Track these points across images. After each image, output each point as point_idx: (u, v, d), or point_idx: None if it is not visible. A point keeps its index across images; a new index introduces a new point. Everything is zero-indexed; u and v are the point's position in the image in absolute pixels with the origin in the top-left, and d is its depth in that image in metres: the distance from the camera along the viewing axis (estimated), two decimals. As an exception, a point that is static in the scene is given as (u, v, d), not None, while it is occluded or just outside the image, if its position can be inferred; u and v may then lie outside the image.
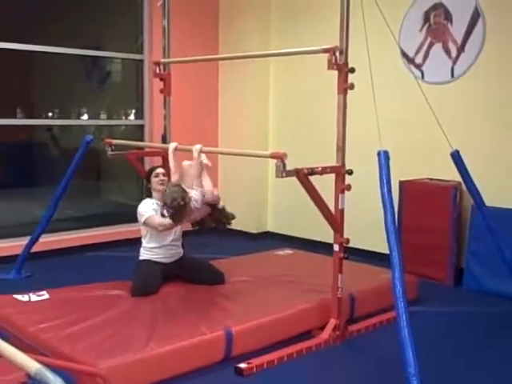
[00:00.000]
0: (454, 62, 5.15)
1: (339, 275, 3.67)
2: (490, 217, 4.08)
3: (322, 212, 3.55)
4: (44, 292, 3.92)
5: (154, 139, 6.03)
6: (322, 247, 5.18)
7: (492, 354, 3.59)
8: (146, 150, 5.53)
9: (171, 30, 4.78)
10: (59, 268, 5.24)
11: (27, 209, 6.45)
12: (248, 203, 6.66)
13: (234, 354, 3.36)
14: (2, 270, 5.03)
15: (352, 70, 3.50)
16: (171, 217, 3.57)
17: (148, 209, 4.04)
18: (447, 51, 5.19)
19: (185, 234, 4.35)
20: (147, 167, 5.26)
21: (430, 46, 5.30)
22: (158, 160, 4.90)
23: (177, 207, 3.51)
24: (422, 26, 5.33)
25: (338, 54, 3.44)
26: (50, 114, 7.30)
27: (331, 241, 3.70)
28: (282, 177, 3.25)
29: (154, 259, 4.15)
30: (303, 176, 3.34)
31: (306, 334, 3.72)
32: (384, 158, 3.30)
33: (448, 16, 5.17)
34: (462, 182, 4.35)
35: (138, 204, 4.18)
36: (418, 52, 5.38)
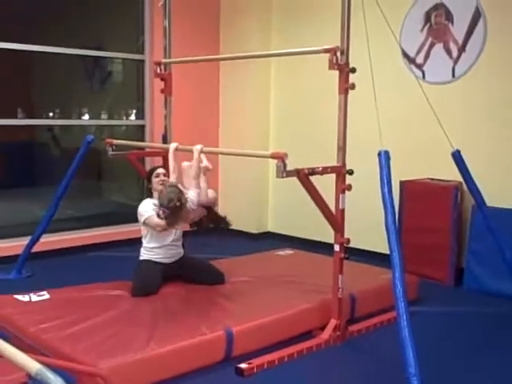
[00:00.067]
0: (455, 62, 5.15)
1: (340, 275, 3.67)
2: (490, 217, 4.07)
3: (322, 212, 3.55)
4: (44, 292, 3.93)
5: (155, 139, 6.03)
6: (323, 247, 5.18)
7: (492, 354, 3.59)
8: (147, 150, 5.53)
9: (172, 30, 4.78)
10: (60, 268, 5.24)
11: (28, 209, 6.46)
12: (249, 203, 6.67)
13: (234, 354, 3.36)
14: (2, 270, 5.03)
15: (353, 70, 3.50)
16: (167, 217, 3.55)
17: (148, 209, 4.04)
18: (448, 51, 5.19)
19: (185, 234, 4.35)
20: (148, 167, 5.27)
21: (431, 46, 5.30)
22: (159, 160, 4.90)
23: (173, 208, 3.49)
24: (423, 26, 5.33)
25: (339, 54, 3.44)
26: (51, 114, 7.30)
27: (332, 241, 3.69)
28: (283, 177, 3.25)
29: (155, 259, 4.15)
30: (304, 176, 3.34)
31: (307, 334, 3.72)
32: (385, 157, 3.30)
33: (449, 16, 5.17)
34: (463, 182, 4.35)
35: (139, 204, 4.18)
36: (418, 52, 5.37)
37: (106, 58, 6.86)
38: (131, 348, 3.06)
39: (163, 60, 4.73)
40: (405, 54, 5.42)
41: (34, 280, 4.87)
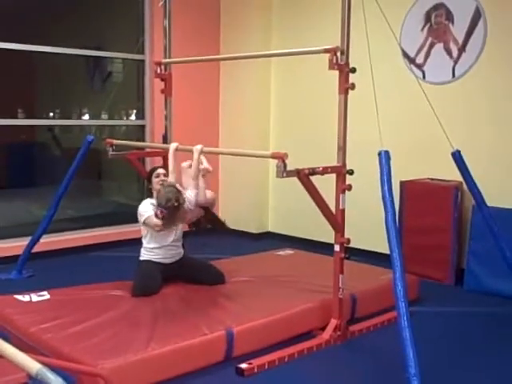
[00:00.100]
0: (455, 62, 5.15)
1: (340, 275, 3.67)
2: (490, 217, 4.07)
3: (322, 212, 3.55)
4: (45, 292, 3.92)
5: (155, 139, 6.03)
6: (323, 247, 5.17)
7: (493, 354, 3.58)
8: (147, 150, 5.53)
9: (172, 30, 4.78)
10: (60, 268, 5.24)
11: (28, 209, 6.46)
12: (249, 203, 6.67)
13: (235, 355, 3.36)
14: (3, 270, 5.04)
15: (353, 70, 3.50)
16: (164, 217, 3.54)
17: (148, 209, 4.04)
18: (448, 51, 5.19)
19: (185, 234, 4.35)
20: (148, 167, 5.27)
21: (431, 46, 5.30)
22: (159, 160, 4.90)
23: (171, 208, 3.48)
24: (424, 26, 5.33)
25: (339, 54, 3.44)
26: (51, 114, 7.31)
27: (332, 241, 3.69)
28: (283, 177, 3.25)
29: (155, 260, 4.15)
30: (304, 176, 3.34)
31: (307, 335, 3.72)
32: (385, 157, 3.30)
33: (449, 16, 5.17)
34: (463, 182, 4.35)
35: (139, 204, 4.18)
36: (419, 52, 5.37)
37: (106, 58, 6.86)
38: (132, 348, 3.06)
39: (163, 60, 4.73)
40: (405, 54, 5.42)
41: (34, 280, 4.87)
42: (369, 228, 5.36)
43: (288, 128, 6.52)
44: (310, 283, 4.22)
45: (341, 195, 3.60)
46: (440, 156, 4.59)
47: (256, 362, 3.28)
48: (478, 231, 4.69)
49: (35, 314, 3.53)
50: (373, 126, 3.57)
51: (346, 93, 3.54)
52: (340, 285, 3.68)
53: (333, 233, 3.66)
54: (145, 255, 4.18)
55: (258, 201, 6.71)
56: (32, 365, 1.59)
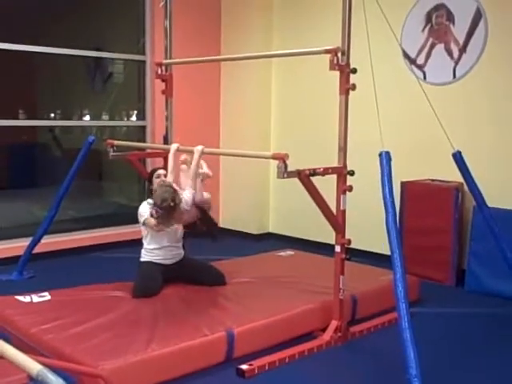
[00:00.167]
0: (456, 62, 5.15)
1: (341, 276, 3.66)
2: (491, 217, 4.07)
3: (323, 213, 3.55)
4: (46, 293, 3.92)
5: (156, 140, 6.04)
6: (324, 248, 5.18)
7: (494, 355, 3.58)
8: (148, 151, 5.53)
9: (173, 31, 4.77)
10: (61, 269, 5.24)
11: (29, 210, 6.46)
12: (249, 204, 6.67)
13: (235, 356, 3.35)
14: (3, 271, 5.03)
15: (354, 71, 3.50)
16: (160, 217, 3.52)
17: (148, 210, 4.03)
18: (449, 52, 5.19)
19: (186, 235, 4.35)
20: (149, 168, 5.27)
21: (432, 46, 5.30)
22: (160, 161, 4.90)
23: (167, 208, 3.47)
24: (424, 27, 5.33)
25: (339, 54, 3.44)
26: (52, 115, 7.32)
27: (333, 242, 3.69)
28: (284, 178, 3.25)
29: (155, 260, 4.15)
30: (305, 177, 3.33)
31: (308, 336, 3.71)
32: (386, 158, 3.29)
33: (450, 17, 5.17)
34: (464, 183, 4.34)
35: (140, 205, 4.18)
36: (419, 53, 5.37)
37: (107, 58, 6.86)
38: (132, 349, 3.06)
39: (164, 61, 4.73)
40: (406, 55, 5.42)
41: (35, 281, 4.87)
42: (369, 229, 5.36)
43: (289, 129, 6.52)
44: (311, 284, 4.22)
45: (341, 196, 3.60)
46: (441, 157, 4.59)
47: (256, 363, 3.27)
48: (479, 232, 4.69)
49: (36, 315, 3.53)
50: (373, 127, 3.57)
51: (347, 93, 3.54)
52: (341, 286, 3.67)
53: (333, 234, 3.66)
54: (145, 256, 4.18)
55: (259, 201, 6.71)
56: (33, 366, 1.59)
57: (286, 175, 3.24)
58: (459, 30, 5.10)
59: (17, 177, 7.55)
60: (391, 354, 3.33)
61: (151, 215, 3.61)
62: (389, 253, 3.17)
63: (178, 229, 4.14)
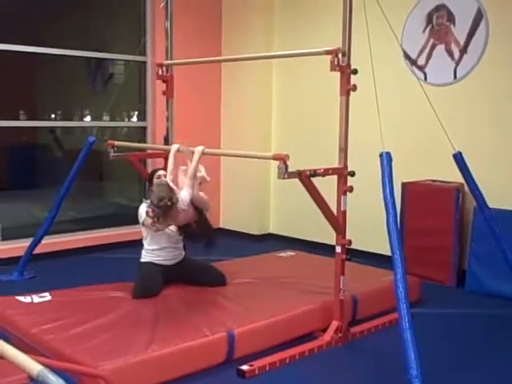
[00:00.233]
0: (457, 63, 5.15)
1: (341, 277, 3.66)
2: (492, 218, 4.07)
3: (324, 214, 3.55)
4: (46, 293, 3.93)
5: (157, 141, 6.04)
6: (325, 249, 5.18)
7: (494, 356, 3.58)
8: (149, 151, 5.53)
9: (174, 32, 4.78)
10: (61, 270, 5.24)
11: (30, 210, 6.47)
12: (250, 205, 6.67)
13: (236, 356, 3.35)
14: (4, 271, 5.04)
15: (354, 72, 3.50)
16: (156, 216, 3.50)
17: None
18: (450, 53, 5.19)
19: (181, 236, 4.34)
20: (149, 169, 5.27)
21: (433, 47, 5.30)
22: (161, 162, 4.90)
23: (163, 207, 3.45)
24: (425, 28, 5.33)
25: (340, 55, 3.44)
26: (53, 116, 7.32)
27: (333, 242, 3.69)
28: (284, 178, 3.25)
29: (155, 261, 4.14)
30: (305, 178, 3.33)
31: (308, 336, 3.71)
32: (386, 159, 3.29)
33: (451, 17, 5.17)
34: (465, 184, 4.34)
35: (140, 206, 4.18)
36: (420, 53, 5.37)
37: (107, 59, 6.87)
38: (132, 350, 3.05)
39: (165, 62, 4.73)
40: (406, 56, 5.42)
41: (35, 281, 4.87)
42: (370, 229, 5.36)
43: (289, 129, 6.52)
44: (312, 285, 4.22)
45: (342, 197, 3.60)
46: (441, 157, 4.59)
47: (257, 363, 3.27)
48: (480, 233, 4.69)
49: (36, 316, 3.53)
50: (374, 128, 3.56)
51: (348, 94, 3.54)
52: (341, 286, 3.67)
53: (334, 234, 3.66)
54: (145, 257, 4.18)
55: (260, 202, 6.71)
56: (33, 366, 1.59)
57: (286, 176, 3.24)
58: (460, 31, 5.10)
59: (17, 177, 7.55)
60: (392, 355, 3.32)
61: (147, 214, 3.59)
62: (389, 253, 3.16)
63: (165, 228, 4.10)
